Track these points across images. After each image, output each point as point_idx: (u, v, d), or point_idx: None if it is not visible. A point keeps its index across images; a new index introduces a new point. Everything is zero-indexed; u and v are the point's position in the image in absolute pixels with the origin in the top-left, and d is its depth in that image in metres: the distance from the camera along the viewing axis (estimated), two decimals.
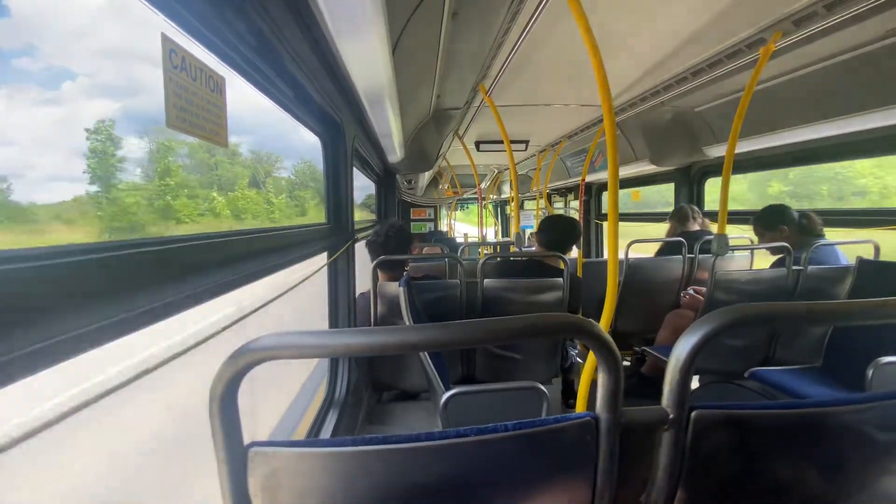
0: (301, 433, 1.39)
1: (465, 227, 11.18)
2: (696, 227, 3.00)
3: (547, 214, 3.56)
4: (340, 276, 1.61)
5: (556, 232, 2.16)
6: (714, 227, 2.99)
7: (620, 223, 1.36)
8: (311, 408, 1.51)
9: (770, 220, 2.33)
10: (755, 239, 2.63)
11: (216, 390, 0.45)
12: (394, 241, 1.97)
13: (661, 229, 3.51)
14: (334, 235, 1.52)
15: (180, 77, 0.57)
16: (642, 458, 0.55)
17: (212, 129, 0.65)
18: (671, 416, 0.52)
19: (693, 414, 0.53)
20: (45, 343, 0.40)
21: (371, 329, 0.47)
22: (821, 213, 2.29)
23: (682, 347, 0.52)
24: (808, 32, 1.60)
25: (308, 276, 1.15)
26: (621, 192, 4.42)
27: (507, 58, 2.03)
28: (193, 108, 0.60)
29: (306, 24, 0.94)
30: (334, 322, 1.61)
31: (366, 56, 1.06)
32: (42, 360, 0.40)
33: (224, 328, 0.67)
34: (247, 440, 0.50)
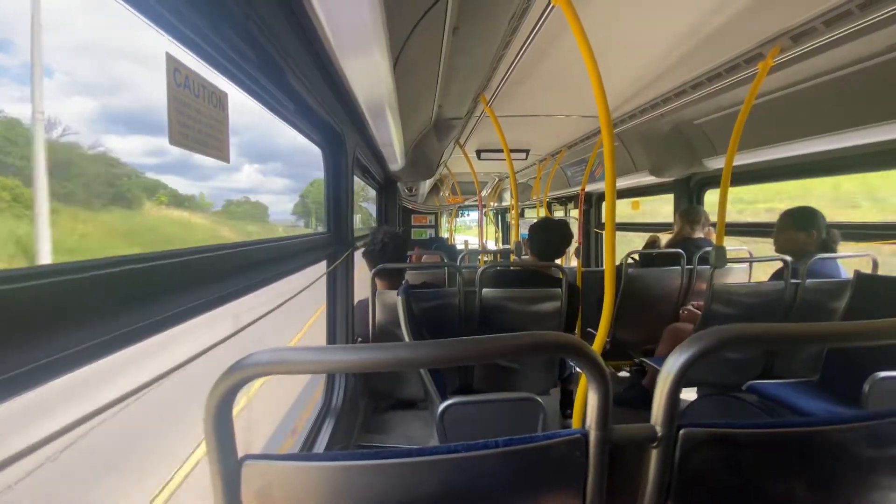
0: (298, 442, 1.40)
1: (466, 236, 11.18)
2: (701, 235, 2.93)
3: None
4: (339, 284, 1.62)
5: (548, 239, 2.07)
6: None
7: (621, 233, 1.37)
8: (307, 416, 1.51)
9: (802, 221, 2.17)
10: (755, 250, 2.63)
11: (211, 404, 0.46)
12: (391, 248, 1.97)
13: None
14: (334, 244, 1.54)
15: (184, 94, 0.59)
16: (631, 474, 0.56)
17: (214, 145, 0.67)
18: (660, 433, 0.53)
19: (682, 432, 0.54)
20: (49, 358, 0.41)
21: (363, 346, 0.48)
22: None
23: (671, 366, 0.53)
24: (806, 48, 1.62)
25: (308, 286, 1.16)
26: (622, 201, 4.45)
27: (508, 70, 2.06)
28: (196, 124, 0.62)
29: (309, 39, 0.96)
30: (332, 330, 1.62)
31: (367, 70, 1.07)
32: (46, 374, 0.40)
33: (224, 339, 0.68)
34: (243, 448, 0.50)
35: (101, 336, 0.46)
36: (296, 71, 0.92)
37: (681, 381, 0.52)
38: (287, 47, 0.85)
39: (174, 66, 0.57)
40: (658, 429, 0.53)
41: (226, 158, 0.70)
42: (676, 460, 0.54)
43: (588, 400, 0.52)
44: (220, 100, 0.69)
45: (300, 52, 0.94)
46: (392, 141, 1.97)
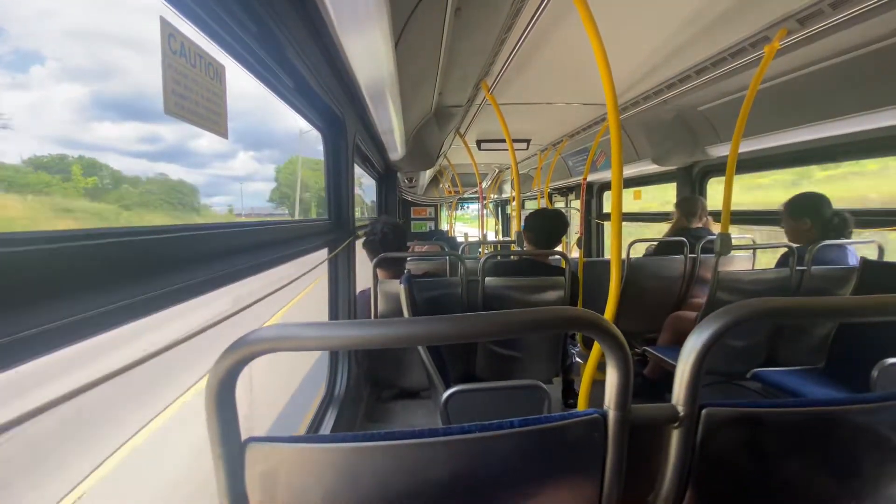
0: (300, 430, 1.38)
1: (465, 227, 11.15)
2: (699, 225, 2.95)
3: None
4: (341, 271, 1.60)
5: (544, 227, 2.12)
6: (714, 227, 2.99)
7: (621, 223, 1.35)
8: (310, 404, 1.49)
9: (796, 209, 2.17)
10: (758, 238, 2.60)
11: (212, 384, 0.44)
12: (391, 238, 1.95)
13: (660, 229, 3.50)
14: (335, 231, 1.51)
15: (179, 63, 0.56)
16: (650, 456, 0.54)
17: (211, 118, 0.64)
18: (682, 413, 0.51)
19: (704, 412, 0.52)
20: (40, 329, 0.38)
21: (372, 321, 0.45)
22: None
23: (693, 344, 0.51)
24: (813, 31, 1.59)
25: (309, 271, 1.14)
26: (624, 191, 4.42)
27: (510, 55, 2.02)
28: (193, 94, 0.59)
29: (309, 15, 0.92)
30: (334, 318, 1.60)
31: (368, 50, 1.04)
32: (37, 347, 0.38)
33: (221, 320, 0.65)
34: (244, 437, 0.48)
35: (95, 309, 0.44)
36: (296, 47, 0.88)
37: (704, 359, 0.50)
38: (286, 21, 0.82)
39: (169, 32, 0.54)
40: (680, 409, 0.51)
41: (223, 134, 0.67)
42: (698, 441, 0.52)
43: (607, 379, 0.50)
44: (217, 72, 0.66)
45: (300, 27, 0.91)
46: (392, 128, 1.94)
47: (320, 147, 1.56)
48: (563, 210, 6.67)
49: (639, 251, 3.04)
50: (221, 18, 0.65)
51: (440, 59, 1.79)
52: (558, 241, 2.16)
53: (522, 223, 2.26)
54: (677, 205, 3.07)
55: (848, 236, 2.12)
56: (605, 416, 0.51)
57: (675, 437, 0.52)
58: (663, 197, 3.97)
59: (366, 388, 1.95)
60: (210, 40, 0.67)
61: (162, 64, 0.53)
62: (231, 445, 0.46)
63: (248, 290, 0.84)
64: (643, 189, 4.45)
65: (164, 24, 0.54)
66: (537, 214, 2.19)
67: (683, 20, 1.68)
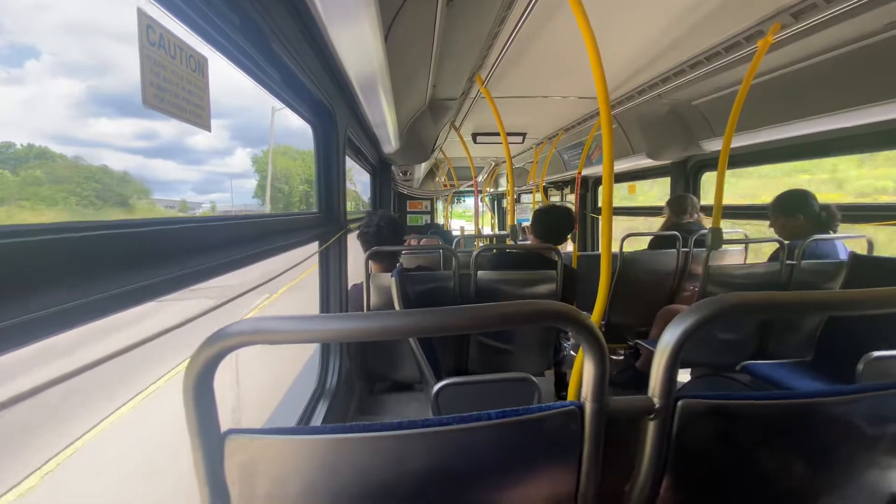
0: (291, 422, 1.39)
1: (462, 222, 11.14)
2: (691, 221, 2.98)
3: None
4: (332, 265, 1.60)
5: (551, 222, 2.13)
6: (707, 223, 3.00)
7: (616, 217, 1.35)
8: (301, 397, 1.50)
9: (788, 206, 2.21)
10: (750, 233, 2.62)
11: (190, 376, 0.44)
12: (387, 232, 1.95)
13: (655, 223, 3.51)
14: (326, 225, 1.51)
15: (158, 54, 0.55)
16: (628, 447, 0.55)
17: (193, 111, 0.63)
18: (657, 405, 0.52)
19: (679, 403, 0.53)
20: (20, 319, 0.38)
21: (353, 315, 0.45)
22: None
23: (669, 337, 0.51)
24: (807, 25, 1.59)
25: (296, 265, 1.13)
26: (618, 185, 4.42)
27: (504, 48, 2.01)
28: (173, 87, 0.58)
29: (294, 6, 0.91)
30: (325, 311, 1.60)
31: (357, 42, 1.03)
32: (17, 338, 0.38)
33: (205, 312, 0.66)
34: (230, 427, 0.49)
35: (81, 299, 0.44)
36: (282, 40, 0.88)
37: (679, 351, 0.51)
38: (272, 13, 0.81)
39: (147, 23, 0.54)
40: (656, 400, 0.52)
41: (206, 127, 0.66)
42: (674, 432, 0.53)
43: (584, 371, 0.51)
44: (199, 64, 0.65)
45: (286, 19, 0.90)
46: (385, 121, 1.93)
47: (305, 134, 1.54)
48: (560, 203, 6.66)
49: (635, 245, 3.05)
50: (202, 10, 0.64)
51: (433, 51, 1.78)
52: (564, 239, 2.17)
53: (521, 218, 2.26)
54: (668, 203, 3.11)
55: (835, 229, 2.14)
56: (581, 407, 0.51)
57: (651, 428, 0.53)
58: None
59: (358, 380, 1.96)
60: (192, 32, 0.66)
61: (139, 55, 0.53)
62: (210, 437, 0.47)
63: (235, 281, 0.84)
64: (648, 182, 4.44)
65: (142, 14, 0.53)
66: (546, 210, 2.20)
67: (678, 13, 1.67)
